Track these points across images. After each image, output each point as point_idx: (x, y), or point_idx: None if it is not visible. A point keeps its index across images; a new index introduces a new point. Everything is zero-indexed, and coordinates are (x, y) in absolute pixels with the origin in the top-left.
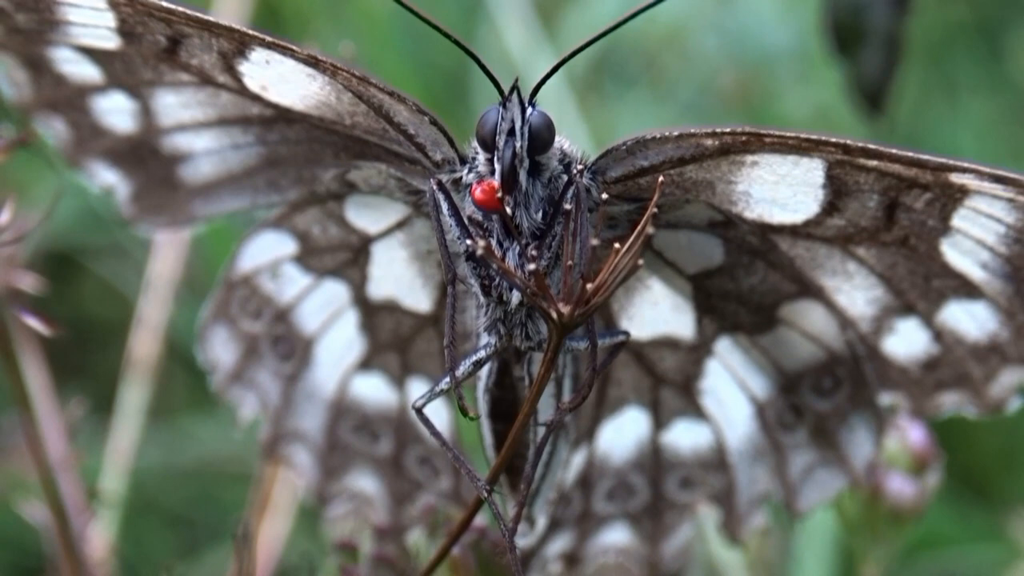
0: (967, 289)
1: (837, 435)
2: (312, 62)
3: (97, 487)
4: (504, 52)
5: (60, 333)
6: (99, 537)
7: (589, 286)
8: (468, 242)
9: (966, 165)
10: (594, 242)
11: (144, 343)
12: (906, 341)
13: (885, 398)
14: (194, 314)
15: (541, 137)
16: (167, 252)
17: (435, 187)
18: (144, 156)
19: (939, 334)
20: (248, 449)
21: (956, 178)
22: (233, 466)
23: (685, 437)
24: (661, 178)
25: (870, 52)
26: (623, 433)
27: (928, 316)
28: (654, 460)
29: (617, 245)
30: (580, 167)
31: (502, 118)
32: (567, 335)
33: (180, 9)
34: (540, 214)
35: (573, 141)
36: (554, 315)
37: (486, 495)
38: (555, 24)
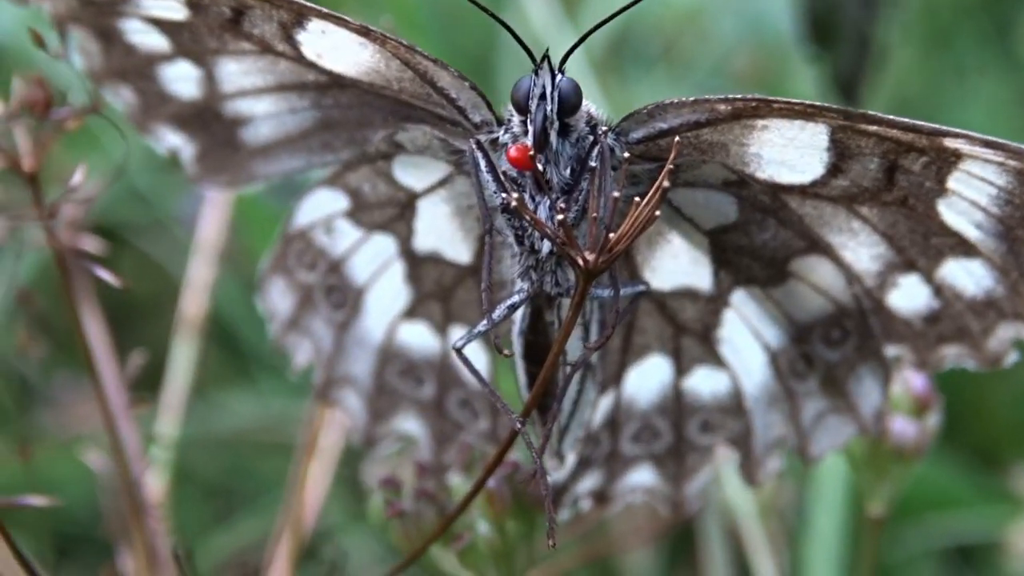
0: (964, 247)
1: (846, 384)
2: (364, 32)
3: (154, 433)
4: (529, 33)
5: (128, 287)
6: (155, 483)
7: (612, 236)
8: (504, 196)
9: (959, 131)
10: (616, 195)
11: (193, 303)
12: (908, 296)
13: (891, 350)
14: (229, 292)
15: (570, 101)
16: (213, 219)
17: (474, 146)
18: (207, 120)
19: (939, 289)
20: (281, 420)
21: (950, 143)
22: (267, 436)
23: (705, 383)
24: (677, 138)
25: (844, 48)
26: (647, 378)
27: (928, 272)
28: (676, 404)
29: (638, 199)
30: (605, 128)
31: (534, 84)
32: (592, 282)
33: None
34: (568, 171)
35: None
36: (580, 262)
37: (519, 428)
38: (577, 8)
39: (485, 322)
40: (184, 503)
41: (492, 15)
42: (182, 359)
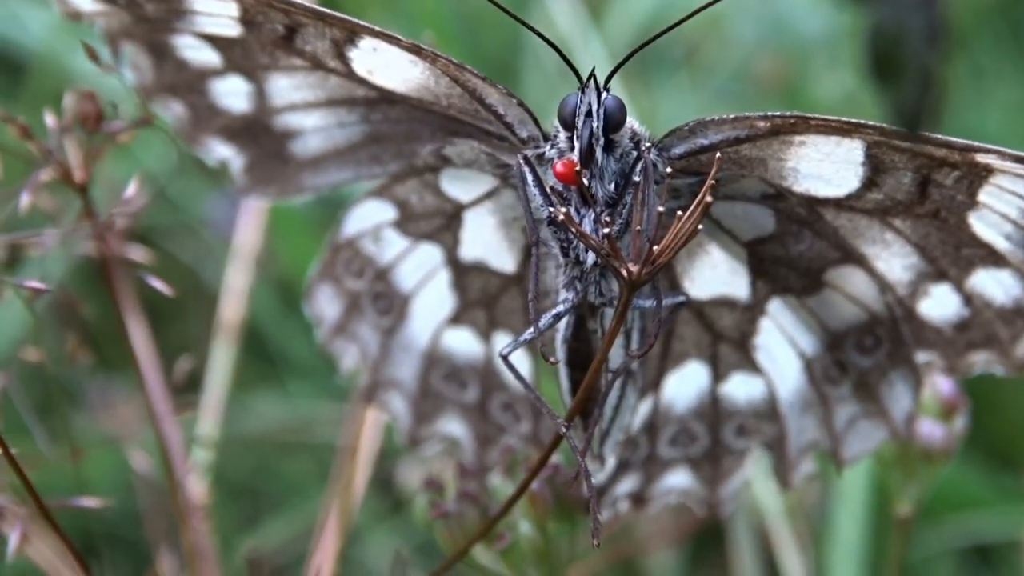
0: (994, 258)
1: (878, 390)
2: (415, 50)
3: (197, 435)
4: (554, 36)
5: (179, 295)
6: (197, 483)
7: (655, 248)
8: (551, 210)
9: (990, 147)
10: (660, 209)
11: (230, 308)
12: (939, 304)
13: (922, 357)
14: (259, 297)
15: (615, 118)
16: (250, 225)
17: (522, 161)
18: (257, 133)
19: (969, 298)
20: (308, 423)
21: (981, 158)
22: (294, 438)
23: (741, 389)
24: (719, 154)
25: (908, 82)
26: (686, 384)
27: (959, 282)
28: (713, 409)
29: (680, 213)
30: (648, 145)
31: (580, 101)
32: (635, 292)
33: (299, 1)
34: (613, 185)
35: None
36: (624, 273)
37: (563, 431)
38: (602, 12)
39: (531, 330)
40: (212, 504)
41: (519, 19)
42: (220, 363)
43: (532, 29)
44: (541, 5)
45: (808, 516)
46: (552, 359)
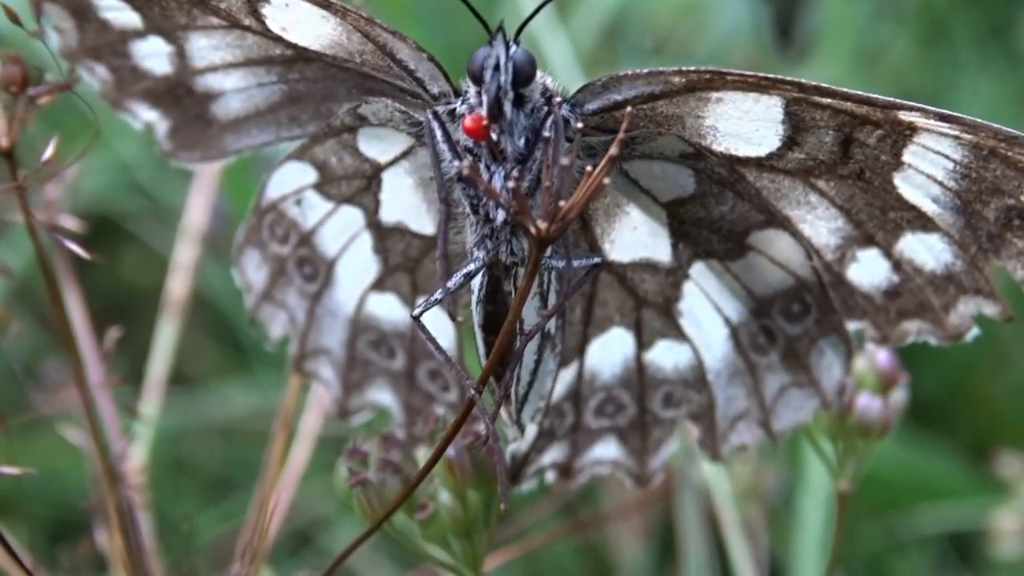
0: (922, 221)
1: (808, 358)
2: (324, 4)
3: (134, 408)
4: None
5: (99, 260)
6: (136, 459)
7: (563, 204)
8: (456, 163)
9: (913, 104)
10: (566, 163)
11: (178, 284)
12: (868, 270)
13: (853, 325)
14: (228, 286)
15: (524, 72)
16: (199, 203)
17: (430, 116)
18: (180, 95)
19: (898, 264)
20: (278, 410)
21: (904, 116)
22: (266, 426)
23: (667, 356)
24: (630, 108)
25: None
26: (610, 350)
27: (887, 246)
28: (639, 377)
29: (588, 168)
30: (559, 99)
31: (488, 55)
32: (545, 250)
33: None
34: (523, 141)
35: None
36: (532, 230)
37: (473, 394)
38: (569, 6)
39: (440, 290)
40: (185, 494)
41: None
42: (165, 339)
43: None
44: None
45: (763, 498)
46: (459, 319)
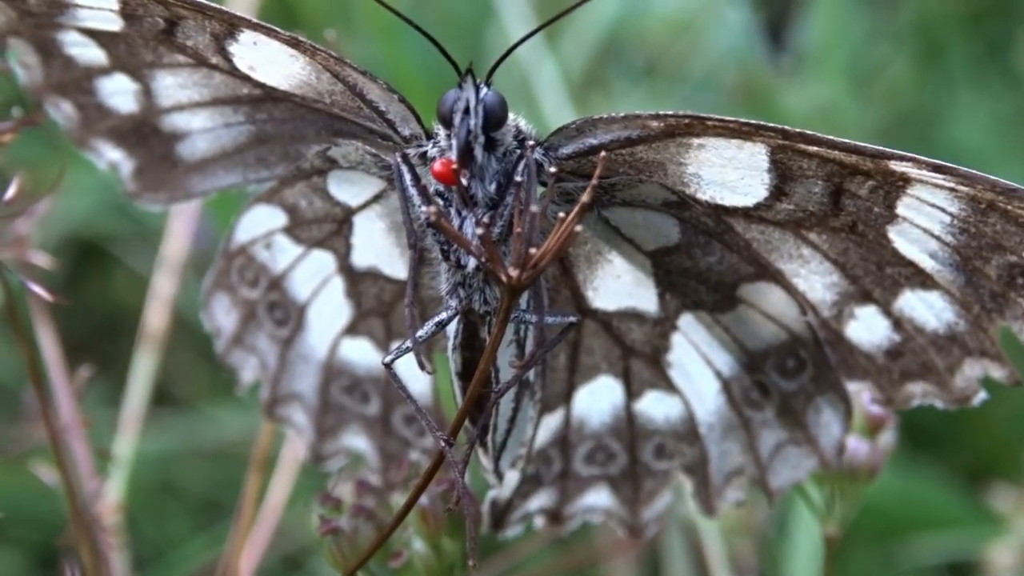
0: (921, 278)
1: (805, 416)
2: (293, 43)
3: (108, 450)
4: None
5: (66, 304)
6: (109, 498)
7: (533, 251)
8: (422, 209)
9: (904, 154)
10: (535, 210)
11: (156, 316)
12: (868, 328)
13: (854, 386)
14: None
15: (495, 115)
16: (179, 232)
17: (399, 160)
18: (145, 135)
19: (898, 322)
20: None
21: (896, 166)
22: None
23: (657, 407)
24: (603, 153)
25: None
26: (599, 398)
27: (886, 304)
28: (629, 427)
29: (562, 214)
30: (532, 143)
31: (458, 97)
32: (516, 297)
33: None
34: (494, 186)
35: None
36: (504, 278)
37: (443, 445)
38: (558, 31)
39: (411, 340)
40: (172, 517)
41: (417, 28)
42: (141, 374)
43: (430, 38)
44: (498, 24)
45: (755, 535)
46: (428, 369)
